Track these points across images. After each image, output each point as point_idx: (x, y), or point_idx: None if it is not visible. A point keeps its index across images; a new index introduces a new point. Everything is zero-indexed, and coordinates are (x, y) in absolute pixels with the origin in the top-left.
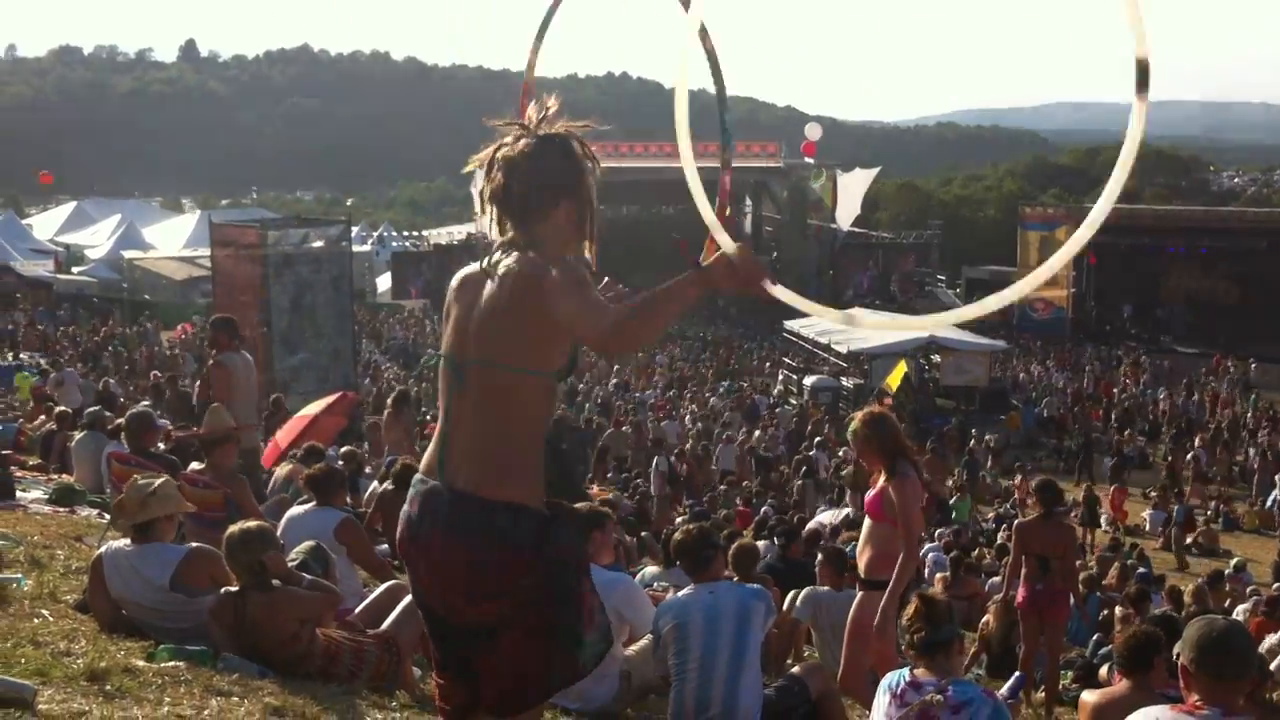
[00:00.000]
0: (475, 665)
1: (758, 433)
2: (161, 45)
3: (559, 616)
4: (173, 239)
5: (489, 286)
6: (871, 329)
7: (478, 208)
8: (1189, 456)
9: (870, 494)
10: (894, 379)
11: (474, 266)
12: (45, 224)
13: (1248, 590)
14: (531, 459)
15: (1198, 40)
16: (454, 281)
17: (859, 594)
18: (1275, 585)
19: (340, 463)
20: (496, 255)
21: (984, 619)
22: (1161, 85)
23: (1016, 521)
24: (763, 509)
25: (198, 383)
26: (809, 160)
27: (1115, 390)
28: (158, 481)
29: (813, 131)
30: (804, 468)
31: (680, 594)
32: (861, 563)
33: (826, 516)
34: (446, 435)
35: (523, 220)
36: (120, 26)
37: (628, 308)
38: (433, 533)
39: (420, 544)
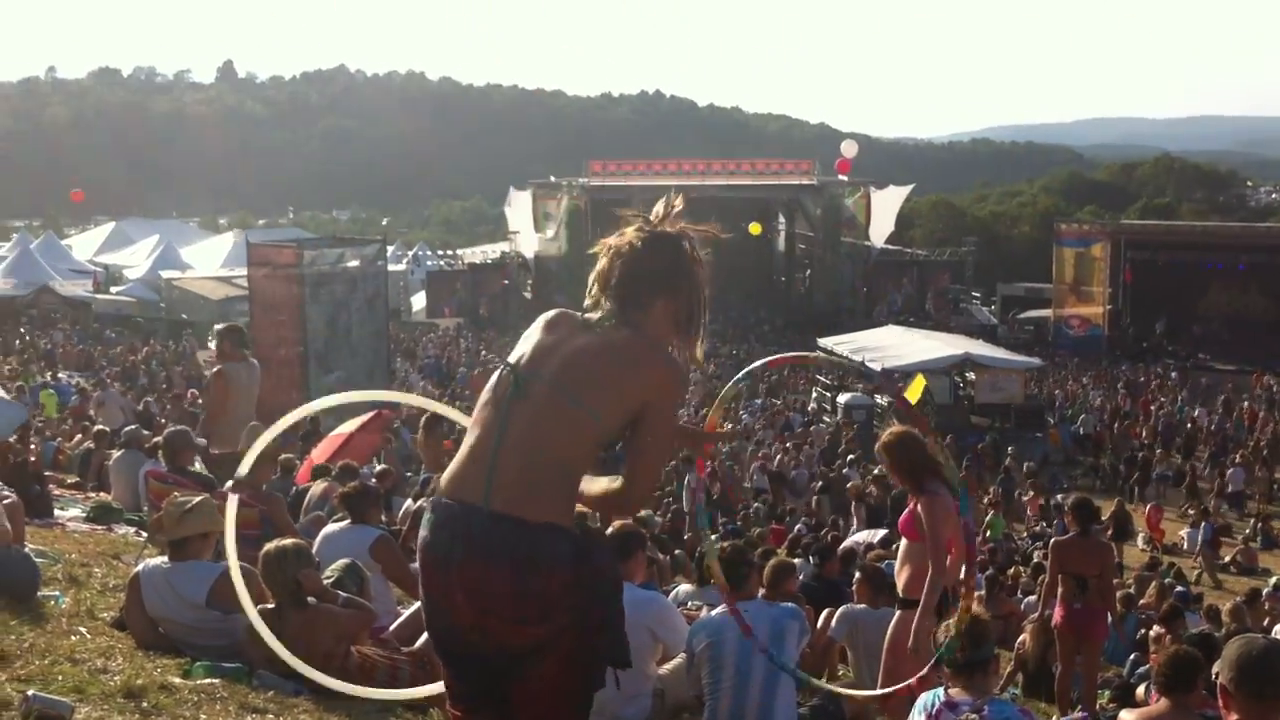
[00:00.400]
0: (508, 693)
1: (785, 451)
2: (200, 66)
3: (601, 640)
4: (210, 259)
5: (590, 336)
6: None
7: (519, 230)
8: (1227, 474)
9: (904, 513)
10: (912, 393)
11: (574, 314)
12: (84, 244)
13: None
14: (573, 487)
15: (1234, 55)
16: (547, 315)
17: (897, 613)
18: None
19: (374, 480)
20: (598, 317)
21: (1020, 638)
22: (1199, 100)
23: (1053, 540)
24: (796, 527)
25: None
26: (842, 178)
27: (1153, 408)
28: (196, 499)
29: (848, 149)
30: (820, 484)
31: (714, 612)
32: (900, 582)
33: (863, 535)
34: (494, 453)
35: (622, 307)
36: (159, 48)
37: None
38: (469, 556)
39: (455, 568)
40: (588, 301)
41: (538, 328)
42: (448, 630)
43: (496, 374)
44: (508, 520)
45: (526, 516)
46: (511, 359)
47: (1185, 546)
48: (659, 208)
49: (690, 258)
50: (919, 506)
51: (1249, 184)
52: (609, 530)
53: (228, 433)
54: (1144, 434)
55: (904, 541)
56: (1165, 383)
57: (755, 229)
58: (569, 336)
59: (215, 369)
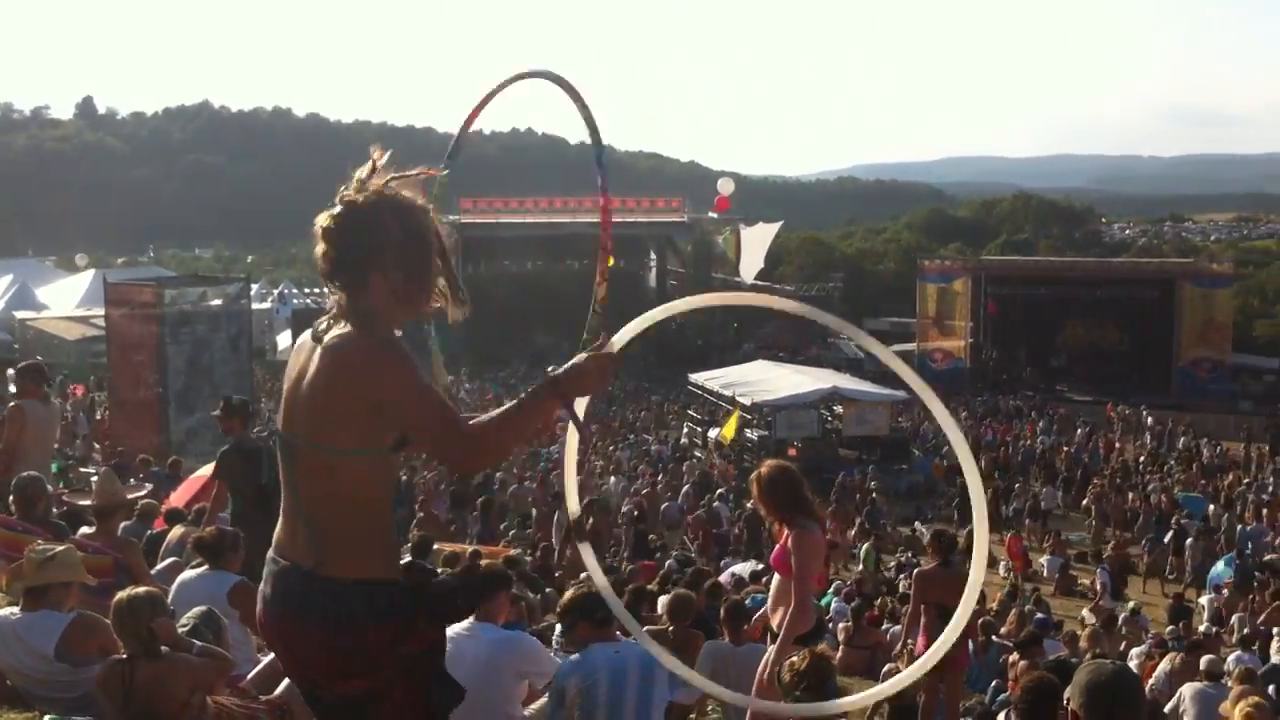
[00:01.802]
0: None
1: (655, 485)
2: (58, 102)
3: (434, 684)
4: (67, 298)
5: (314, 360)
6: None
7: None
8: (1041, 492)
9: (776, 549)
10: (728, 430)
11: (307, 333)
12: None
13: (1144, 634)
14: (377, 532)
15: (1087, 96)
16: (295, 343)
17: (770, 648)
18: (1169, 629)
19: (231, 526)
20: (326, 323)
21: (886, 667)
22: (1053, 139)
23: (916, 570)
24: (667, 562)
25: None
26: (713, 215)
27: (1010, 438)
28: (59, 548)
29: (725, 186)
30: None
31: (583, 653)
32: (774, 619)
33: (739, 568)
34: (290, 513)
35: (348, 295)
36: (16, 83)
37: (483, 426)
38: (285, 614)
39: (276, 626)
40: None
41: (289, 366)
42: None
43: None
44: (320, 580)
45: (342, 574)
46: (278, 421)
47: (1045, 573)
48: (361, 170)
49: (392, 216)
50: (789, 541)
51: (1103, 220)
52: (471, 570)
53: (15, 472)
54: (1004, 463)
55: (776, 577)
56: (1025, 414)
57: (609, 261)
58: (303, 368)
59: (12, 405)
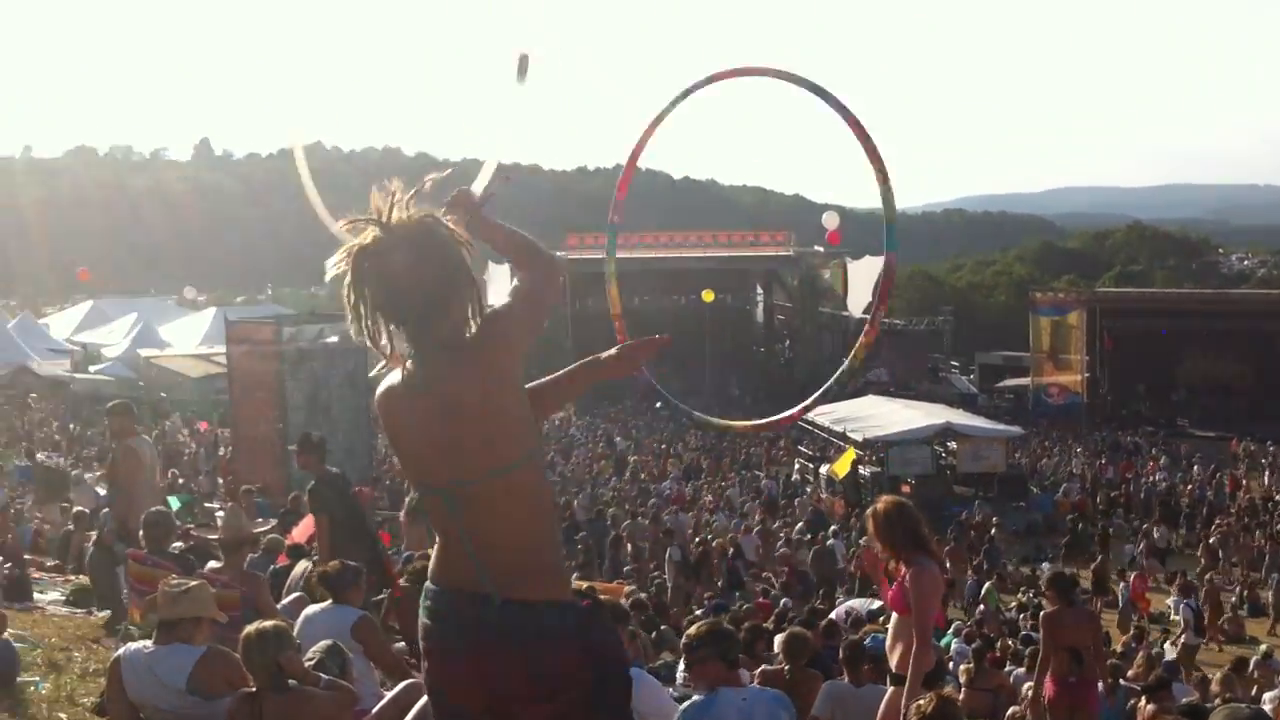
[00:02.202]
0: None
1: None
2: (176, 144)
3: (606, 713)
4: (189, 336)
5: (436, 402)
6: None
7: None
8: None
9: (893, 587)
10: (841, 466)
11: (395, 383)
12: (62, 323)
13: (1277, 678)
14: (555, 549)
15: (1204, 124)
16: (381, 402)
17: (889, 690)
18: None
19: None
20: (413, 368)
21: (1010, 710)
22: (1169, 168)
23: (1044, 613)
24: (782, 600)
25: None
26: (818, 249)
27: (1130, 475)
28: (192, 583)
29: (830, 221)
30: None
31: (708, 697)
32: (892, 659)
33: (857, 603)
34: (460, 550)
35: (419, 336)
36: (135, 126)
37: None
38: (478, 644)
39: (464, 658)
40: (384, 343)
41: (390, 426)
42: (456, 715)
43: (415, 499)
44: (511, 604)
45: (529, 597)
46: (413, 479)
47: (1172, 616)
48: (377, 201)
49: (451, 238)
50: (906, 579)
51: (1220, 251)
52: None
53: (141, 508)
54: (1122, 501)
55: (895, 617)
56: (1149, 451)
57: (708, 296)
58: (425, 419)
59: (124, 444)
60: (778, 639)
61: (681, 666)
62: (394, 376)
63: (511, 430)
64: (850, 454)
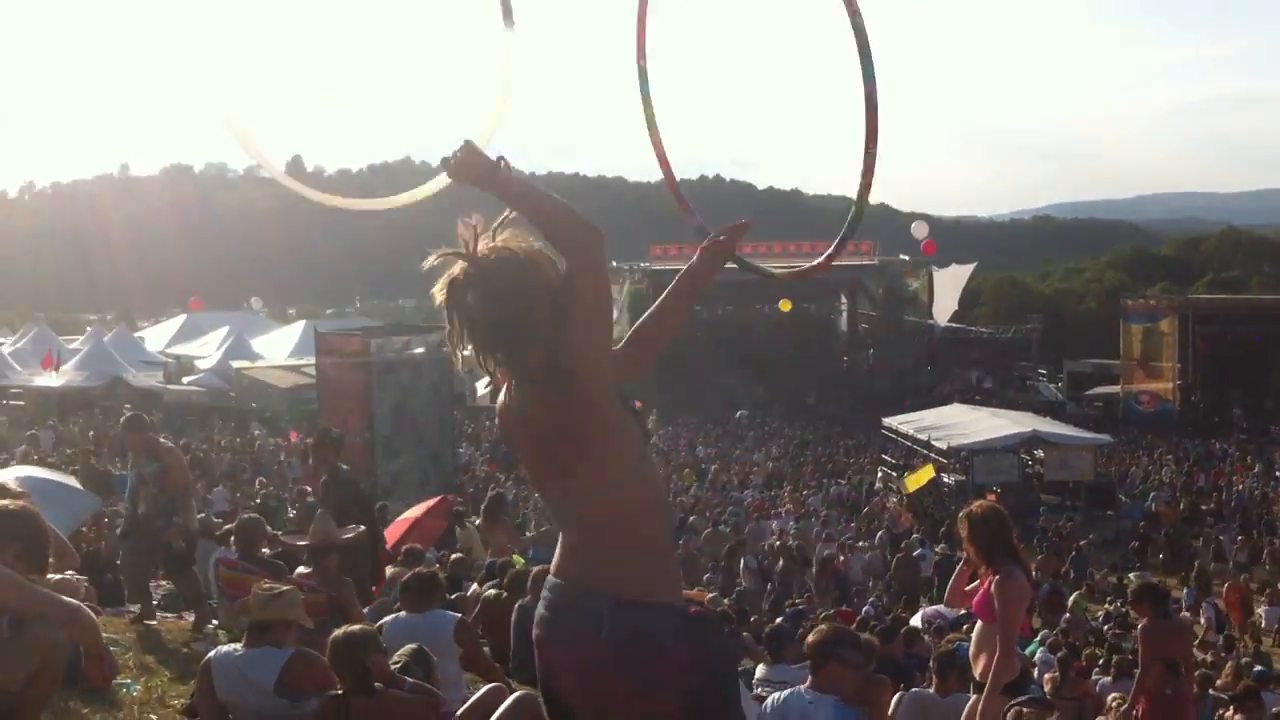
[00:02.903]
0: None
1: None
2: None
3: (719, 713)
4: (279, 348)
5: (524, 428)
6: None
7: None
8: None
9: (978, 595)
10: (917, 480)
11: (503, 401)
12: (156, 336)
13: None
14: (663, 554)
15: None
16: (498, 416)
17: (971, 698)
18: None
19: (436, 565)
20: (513, 391)
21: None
22: (1264, 173)
23: (1141, 626)
24: (864, 608)
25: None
26: (903, 258)
27: (1223, 483)
28: (284, 587)
29: (919, 230)
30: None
31: (787, 692)
32: (976, 667)
33: (943, 609)
34: (580, 552)
35: (507, 357)
36: (229, 145)
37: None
38: (589, 640)
39: (572, 652)
40: (488, 366)
41: (509, 445)
42: (560, 705)
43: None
44: (621, 604)
45: (639, 599)
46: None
47: (1263, 624)
48: (462, 233)
49: (529, 271)
50: (992, 586)
51: None
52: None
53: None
54: (1218, 509)
55: (979, 624)
56: (1243, 459)
57: (785, 305)
58: (524, 436)
59: (168, 447)
60: None
61: (757, 676)
62: (503, 394)
63: (596, 456)
64: (929, 470)
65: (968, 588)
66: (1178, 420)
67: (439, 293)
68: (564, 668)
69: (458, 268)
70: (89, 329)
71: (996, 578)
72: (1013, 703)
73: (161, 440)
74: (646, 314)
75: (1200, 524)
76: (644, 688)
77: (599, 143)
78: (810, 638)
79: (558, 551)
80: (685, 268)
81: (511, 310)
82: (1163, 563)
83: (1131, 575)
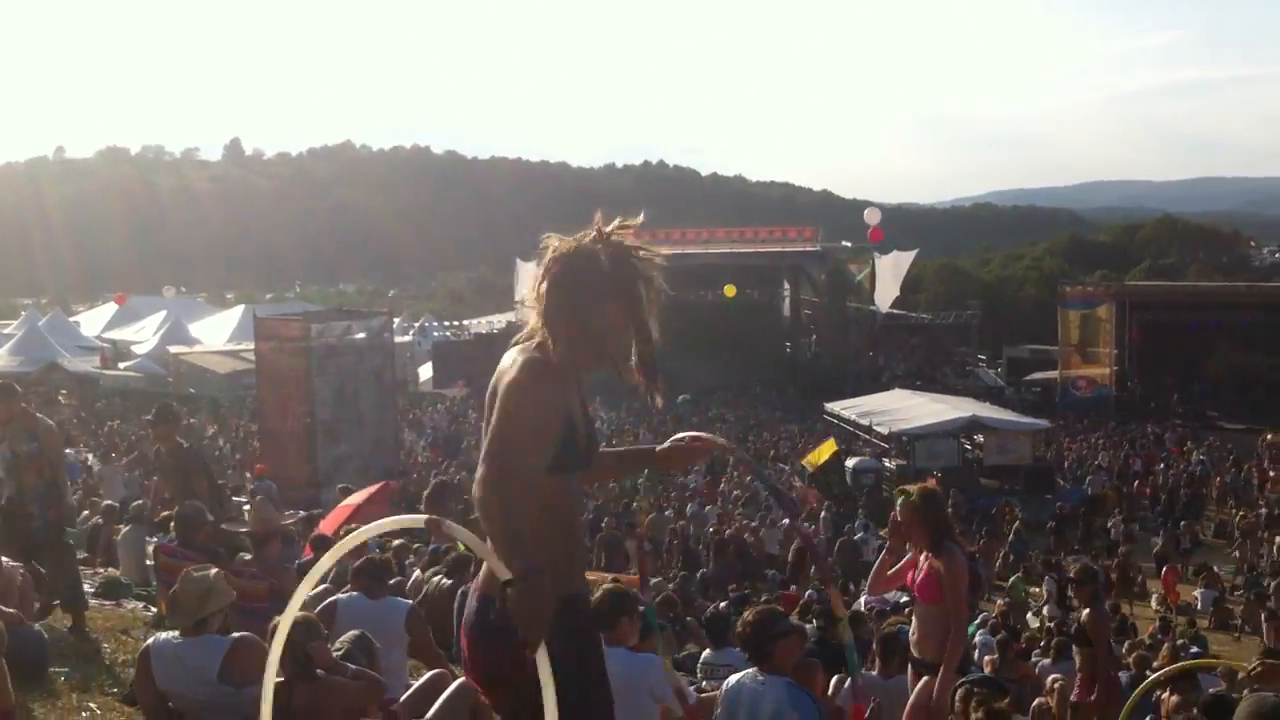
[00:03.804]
0: None
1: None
2: (207, 144)
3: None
4: (218, 333)
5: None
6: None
7: (525, 300)
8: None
9: (919, 577)
10: (817, 456)
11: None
12: (92, 321)
13: None
14: (558, 554)
15: (1232, 117)
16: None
17: (912, 676)
18: None
19: (378, 551)
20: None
21: (1038, 701)
22: (1200, 163)
23: (1091, 611)
24: (807, 592)
25: None
26: (845, 244)
27: (1159, 467)
28: (211, 574)
29: (871, 216)
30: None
31: (739, 675)
32: (921, 648)
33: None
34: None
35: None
36: (167, 127)
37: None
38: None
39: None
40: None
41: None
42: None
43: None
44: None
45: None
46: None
47: (1199, 607)
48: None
49: (582, 278)
50: (941, 565)
51: (1252, 244)
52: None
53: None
54: (1153, 495)
55: (920, 606)
56: (1175, 444)
57: (730, 291)
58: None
59: (47, 425)
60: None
61: (701, 659)
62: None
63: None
64: (829, 446)
65: (889, 573)
66: (1114, 405)
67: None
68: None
69: (565, 244)
70: (23, 313)
71: (942, 558)
72: (962, 680)
73: (39, 416)
74: (608, 453)
75: (1132, 507)
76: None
77: (543, 128)
78: (742, 629)
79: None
80: (650, 450)
81: (557, 298)
82: (1081, 544)
83: (1069, 559)
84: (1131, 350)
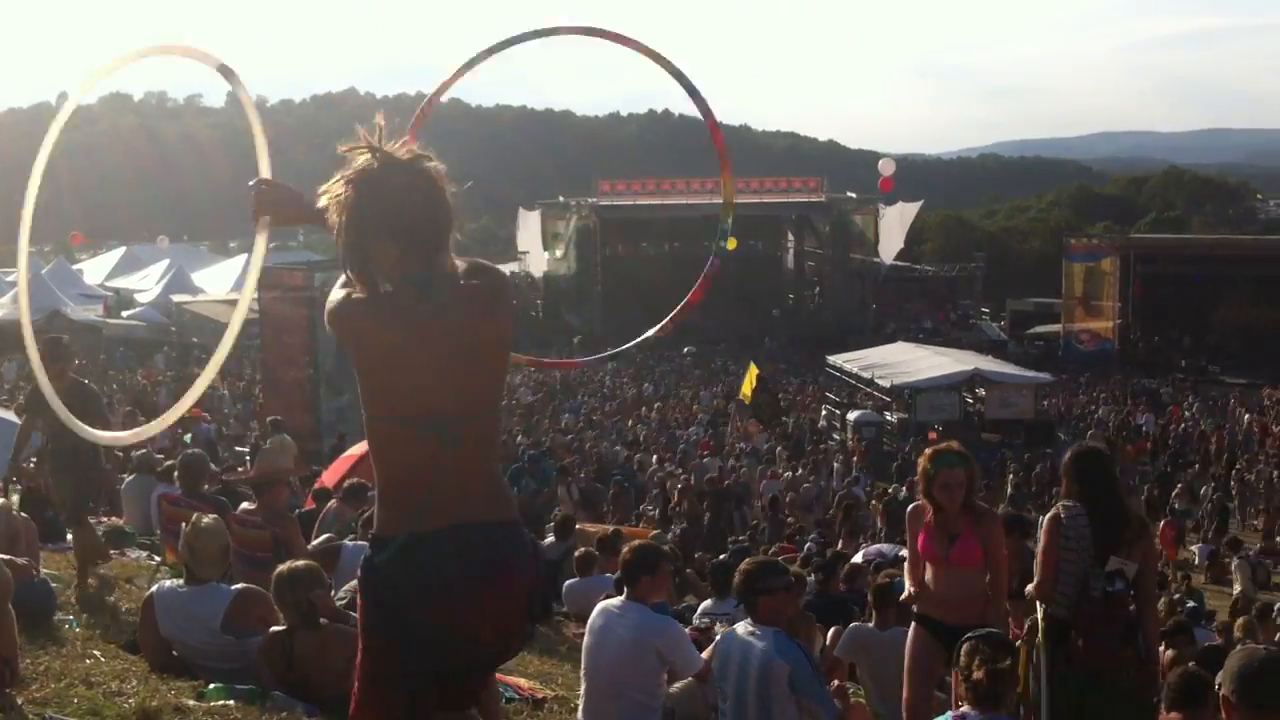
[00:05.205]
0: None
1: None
2: (210, 91)
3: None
4: (221, 282)
5: (455, 333)
6: None
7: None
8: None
9: (959, 540)
10: (747, 385)
11: (381, 305)
12: (95, 269)
13: None
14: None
15: (1241, 67)
16: (358, 321)
17: (913, 634)
18: None
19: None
20: (411, 294)
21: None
22: (1207, 114)
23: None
24: (806, 544)
25: None
26: (850, 195)
27: (1162, 422)
28: (208, 519)
29: (886, 167)
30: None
31: (732, 628)
32: (947, 611)
33: (885, 548)
34: (438, 486)
35: (431, 249)
36: (170, 73)
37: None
38: (500, 568)
39: (487, 588)
40: (368, 269)
41: (385, 355)
42: (459, 651)
43: (396, 430)
44: (496, 527)
45: (505, 519)
46: (416, 407)
47: (1196, 561)
48: (366, 135)
49: (442, 180)
50: (994, 531)
51: (1259, 196)
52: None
53: None
54: (1154, 449)
55: (950, 567)
56: (1179, 397)
57: (731, 243)
58: (437, 347)
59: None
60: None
61: (698, 612)
62: (373, 298)
63: (504, 372)
64: (752, 371)
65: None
66: (1117, 359)
67: (337, 184)
68: (475, 610)
69: (369, 160)
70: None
71: (990, 524)
72: (968, 635)
73: (86, 384)
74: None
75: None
76: (527, 603)
77: (547, 76)
78: (735, 579)
79: (404, 504)
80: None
81: (433, 202)
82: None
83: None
84: (1135, 304)
